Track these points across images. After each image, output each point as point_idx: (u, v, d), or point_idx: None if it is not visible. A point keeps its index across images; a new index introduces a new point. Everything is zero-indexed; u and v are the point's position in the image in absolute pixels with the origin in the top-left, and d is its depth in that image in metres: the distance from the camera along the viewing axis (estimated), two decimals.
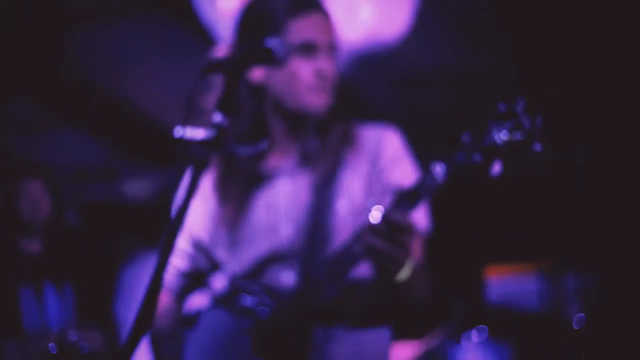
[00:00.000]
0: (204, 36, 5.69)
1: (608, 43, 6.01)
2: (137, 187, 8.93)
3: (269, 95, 2.74)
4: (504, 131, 2.12)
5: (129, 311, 5.11)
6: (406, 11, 4.09)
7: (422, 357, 4.78)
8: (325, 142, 2.77)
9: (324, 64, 2.66)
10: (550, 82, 6.75)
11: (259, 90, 2.74)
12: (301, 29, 2.65)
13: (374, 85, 7.07)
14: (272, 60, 2.24)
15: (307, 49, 2.65)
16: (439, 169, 2.24)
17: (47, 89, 7.57)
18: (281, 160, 2.78)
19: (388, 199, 2.46)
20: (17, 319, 4.28)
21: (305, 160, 2.77)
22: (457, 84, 7.43)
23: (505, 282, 5.40)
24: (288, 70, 2.63)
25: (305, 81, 2.67)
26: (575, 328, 4.60)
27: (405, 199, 2.29)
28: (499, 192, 6.82)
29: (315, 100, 2.67)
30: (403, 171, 2.72)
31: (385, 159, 2.74)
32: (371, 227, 2.28)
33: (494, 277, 5.46)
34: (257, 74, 2.71)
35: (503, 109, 2.14)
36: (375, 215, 2.28)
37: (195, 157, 2.06)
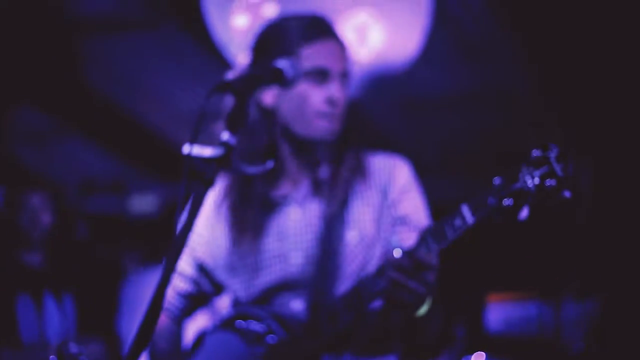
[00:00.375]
0: (217, 52, 5.72)
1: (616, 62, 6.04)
2: (143, 201, 8.95)
3: (279, 119, 2.73)
4: (537, 177, 2.13)
5: (130, 325, 5.14)
6: (416, 35, 4.11)
7: None
8: (336, 171, 2.76)
9: (335, 91, 2.66)
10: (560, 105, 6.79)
11: (270, 114, 2.74)
12: (314, 55, 2.66)
13: (382, 108, 7.10)
14: (282, 80, 2.26)
15: (319, 75, 2.65)
16: (468, 211, 2.24)
17: (58, 99, 7.62)
18: (292, 188, 2.77)
19: (415, 236, 2.44)
20: (14, 330, 4.29)
21: (316, 189, 2.76)
22: (466, 107, 7.46)
23: (505, 308, 5.41)
24: (299, 95, 2.63)
25: (315, 107, 2.67)
26: (574, 354, 4.61)
27: (432, 238, 2.30)
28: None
29: (324, 126, 2.67)
30: (413, 203, 2.73)
31: (397, 190, 2.75)
32: (397, 263, 2.28)
33: (494, 304, 5.46)
34: (268, 97, 2.71)
35: (536, 155, 2.15)
36: (400, 252, 2.28)
37: (202, 174, 2.05)
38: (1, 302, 4.31)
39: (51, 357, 3.29)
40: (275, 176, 2.75)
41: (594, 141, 6.46)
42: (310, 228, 2.70)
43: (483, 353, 4.67)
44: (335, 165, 2.74)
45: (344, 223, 2.68)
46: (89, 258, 6.43)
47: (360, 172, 2.74)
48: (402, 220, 2.69)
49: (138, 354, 1.95)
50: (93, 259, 6.94)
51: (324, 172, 2.74)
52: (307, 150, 2.74)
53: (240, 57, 4.18)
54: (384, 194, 2.72)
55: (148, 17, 6.46)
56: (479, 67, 6.75)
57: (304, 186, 2.74)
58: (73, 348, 3.28)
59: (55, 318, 4.42)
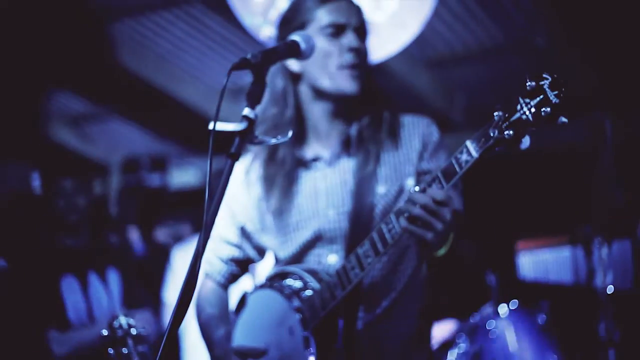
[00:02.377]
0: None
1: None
2: (184, 175, 9.12)
3: (307, 80, 2.86)
4: (533, 106, 2.21)
5: (167, 293, 5.30)
6: None
7: (461, 331, 4.88)
8: (366, 129, 2.87)
9: (353, 40, 2.79)
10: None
11: (298, 78, 2.88)
12: (329, 12, 2.81)
13: (406, 66, 7.16)
14: (297, 53, 2.39)
15: (335, 29, 2.80)
16: (473, 145, 2.33)
17: (95, 83, 7.77)
18: (324, 147, 2.89)
19: (428, 176, 2.56)
20: (62, 311, 4.38)
21: (347, 147, 2.88)
22: (485, 61, 7.50)
23: (537, 254, 5.46)
24: (320, 51, 2.73)
25: (337, 58, 2.79)
26: (605, 298, 4.66)
27: (442, 175, 2.39)
28: (526, 167, 6.88)
29: (348, 75, 2.78)
30: (445, 159, 2.77)
31: (426, 148, 2.85)
32: (413, 199, 2.37)
33: (525, 250, 5.50)
34: (293, 64, 2.85)
35: (531, 85, 2.22)
36: (417, 190, 2.40)
37: (229, 147, 2.17)
38: (46, 284, 4.41)
39: (103, 331, 3.37)
40: (306, 138, 2.89)
41: (616, 91, 6.49)
42: (343, 185, 2.83)
43: (517, 299, 4.78)
44: (364, 124, 2.86)
45: (375, 179, 2.80)
46: (127, 234, 6.52)
47: (390, 130, 2.86)
48: (429, 174, 2.76)
49: (180, 320, 2.08)
50: (140, 234, 7.09)
51: (353, 130, 2.86)
52: (336, 108, 2.86)
53: (264, 30, 4.25)
54: (415, 151, 2.84)
55: None
56: (498, 20, 6.79)
57: (335, 145, 2.86)
58: (124, 321, 3.35)
59: (100, 296, 4.54)
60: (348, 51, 2.79)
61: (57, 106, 8.56)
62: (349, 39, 2.80)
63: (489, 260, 5.03)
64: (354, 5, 2.89)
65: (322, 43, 2.76)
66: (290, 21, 2.87)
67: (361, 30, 2.87)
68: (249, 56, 2.23)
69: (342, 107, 2.87)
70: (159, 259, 5.37)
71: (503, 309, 4.85)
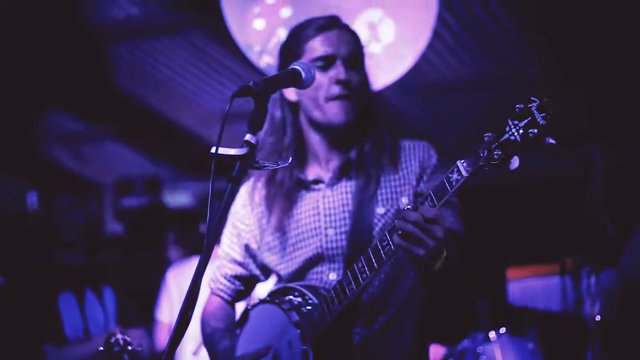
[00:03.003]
0: (242, 54, 5.89)
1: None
2: (177, 197, 9.16)
3: (303, 110, 2.95)
4: (521, 128, 2.27)
5: (160, 312, 5.34)
6: (426, 29, 4.27)
7: (450, 355, 4.93)
8: (365, 153, 2.94)
9: (341, 73, 2.85)
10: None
11: (295, 107, 2.97)
12: (320, 44, 2.89)
13: (398, 95, 7.24)
14: (298, 82, 2.42)
15: (325, 61, 2.87)
16: (463, 165, 2.38)
17: (91, 104, 7.82)
18: (324, 170, 2.98)
19: (422, 194, 2.64)
20: (58, 326, 4.43)
21: (347, 170, 2.95)
22: (477, 93, 7.59)
23: (527, 283, 5.53)
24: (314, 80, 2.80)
25: (325, 91, 2.87)
26: (593, 326, 4.73)
27: (434, 194, 2.44)
28: (517, 197, 6.94)
29: (337, 108, 2.85)
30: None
31: (425, 171, 2.93)
32: (405, 217, 2.41)
33: (516, 279, 5.57)
34: (291, 94, 2.94)
35: (520, 108, 2.29)
36: (408, 208, 2.45)
37: (230, 171, 2.22)
38: (44, 300, 4.45)
39: (100, 347, 3.43)
40: (306, 161, 2.99)
41: (605, 123, 6.58)
42: (343, 206, 2.90)
43: (508, 326, 4.83)
44: (365, 148, 2.94)
45: (375, 200, 2.88)
46: (125, 252, 6.54)
47: (390, 153, 2.94)
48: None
49: (180, 337, 2.14)
50: (131, 253, 7.12)
51: (353, 154, 2.94)
52: (332, 136, 2.94)
53: (263, 58, 4.32)
54: (413, 174, 2.92)
55: (174, 22, 6.66)
56: (490, 53, 6.89)
57: (335, 168, 2.94)
58: (120, 338, 3.42)
59: (97, 312, 4.60)
60: (336, 83, 2.86)
61: (52, 125, 8.60)
62: (337, 70, 2.87)
63: (480, 287, 5.09)
64: (347, 34, 2.95)
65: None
66: (288, 51, 2.95)
67: (353, 60, 2.92)
68: (251, 84, 2.28)
69: (338, 135, 2.94)
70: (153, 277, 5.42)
71: (492, 334, 4.91)
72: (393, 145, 2.96)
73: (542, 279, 5.63)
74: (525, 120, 2.29)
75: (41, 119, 8.12)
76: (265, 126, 2.76)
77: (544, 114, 2.27)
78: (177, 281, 5.41)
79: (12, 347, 4.33)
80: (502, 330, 4.96)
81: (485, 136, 2.36)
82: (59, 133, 8.81)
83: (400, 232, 2.45)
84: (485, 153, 2.34)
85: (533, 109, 2.28)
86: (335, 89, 2.86)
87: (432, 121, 8.07)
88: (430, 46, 5.66)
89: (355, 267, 2.64)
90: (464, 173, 2.39)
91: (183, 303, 2.13)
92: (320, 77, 2.84)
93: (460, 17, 6.28)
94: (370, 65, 3.02)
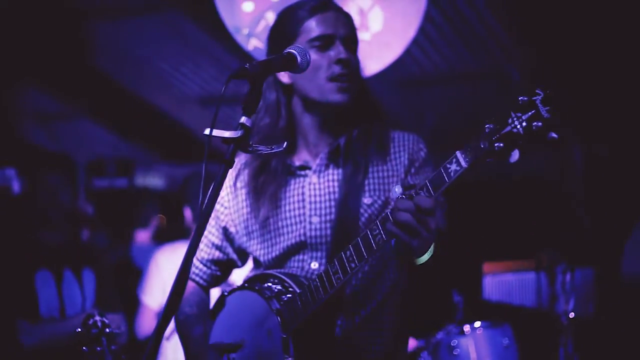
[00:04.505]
0: (220, 36, 5.85)
1: (611, 42, 6.17)
2: (150, 180, 9.12)
3: (297, 92, 2.88)
4: (524, 120, 2.22)
5: (149, 296, 5.27)
6: (414, 20, 4.26)
7: (425, 347, 4.94)
8: (354, 140, 2.89)
9: (341, 52, 2.79)
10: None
11: (289, 89, 2.90)
12: (317, 24, 2.82)
13: (378, 85, 7.25)
14: (293, 65, 2.41)
15: (324, 41, 2.80)
16: (462, 156, 2.32)
17: (67, 82, 7.76)
18: (311, 156, 2.92)
19: (417, 184, 2.56)
20: (34, 304, 4.34)
21: (335, 157, 2.90)
22: (457, 85, 7.63)
23: (502, 277, 5.55)
24: (310, 64, 2.68)
25: (326, 70, 2.81)
26: (567, 323, 4.77)
27: (431, 184, 2.39)
28: (494, 192, 6.98)
29: (337, 87, 2.79)
30: (428, 175, 2.75)
31: (414, 163, 2.88)
32: (400, 206, 2.36)
33: (491, 273, 5.58)
34: (284, 76, 2.87)
35: (523, 99, 2.23)
36: (403, 196, 2.40)
37: (223, 154, 2.19)
38: (21, 277, 4.37)
39: (78, 329, 3.38)
40: (295, 146, 2.93)
41: (585, 117, 6.63)
42: (330, 194, 2.86)
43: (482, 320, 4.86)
44: (354, 135, 2.88)
45: (362, 189, 2.83)
46: (104, 233, 6.47)
47: (379, 143, 2.88)
48: (414, 189, 2.84)
49: (169, 319, 2.09)
50: (108, 234, 7.05)
51: (342, 141, 2.88)
52: (326, 118, 2.89)
53: (251, 41, 4.29)
54: (402, 165, 2.86)
55: (152, 1, 6.61)
56: (472, 47, 6.92)
57: (323, 155, 2.89)
58: (99, 320, 3.38)
59: (74, 293, 4.51)
60: (336, 63, 2.80)
61: (26, 103, 8.52)
62: (337, 50, 2.81)
63: (455, 281, 5.10)
64: (342, 15, 2.90)
65: (312, 55, 2.74)
66: (281, 33, 2.89)
67: (350, 40, 2.87)
68: (247, 65, 2.25)
69: (331, 118, 2.89)
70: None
71: (467, 328, 4.94)
72: (382, 134, 2.90)
73: (518, 274, 5.66)
74: (529, 113, 2.23)
75: (14, 95, 8.03)
76: (259, 109, 2.72)
77: (548, 107, 2.22)
78: (169, 264, 5.33)
79: None
80: (477, 324, 4.98)
81: (487, 127, 2.30)
82: (32, 111, 8.74)
83: (394, 221, 2.40)
84: (486, 144, 2.29)
85: (537, 101, 2.22)
86: (337, 68, 2.79)
87: (409, 112, 8.10)
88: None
89: (343, 256, 2.58)
90: (463, 164, 2.33)
91: (173, 285, 2.10)
92: (319, 58, 2.79)
93: (443, 10, 6.30)
94: (361, 52, 2.96)
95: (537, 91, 2.24)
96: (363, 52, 2.93)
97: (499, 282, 5.75)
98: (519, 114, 2.25)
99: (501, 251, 6.26)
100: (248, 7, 4.07)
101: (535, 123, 2.22)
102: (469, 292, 5.18)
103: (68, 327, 4.26)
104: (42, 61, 7.13)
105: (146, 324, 5.23)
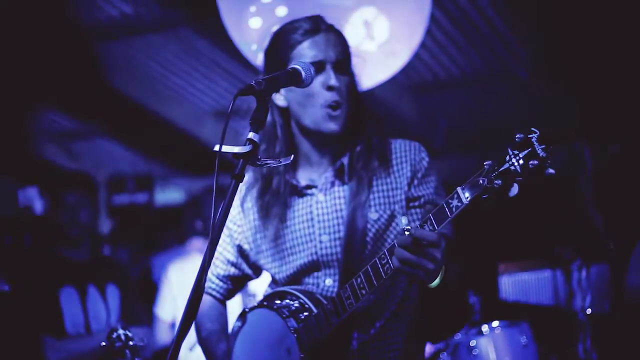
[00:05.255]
0: (233, 52, 5.90)
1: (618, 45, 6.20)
2: (168, 194, 9.19)
3: (292, 116, 2.92)
4: (521, 158, 2.28)
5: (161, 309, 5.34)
6: (419, 27, 4.30)
7: (444, 349, 4.98)
8: (357, 158, 2.90)
9: (331, 78, 2.82)
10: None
11: (286, 113, 2.94)
12: (308, 49, 2.85)
13: (390, 92, 7.30)
14: (298, 81, 2.45)
15: (315, 67, 2.71)
16: (463, 192, 2.40)
17: (84, 101, 7.84)
18: (317, 176, 2.94)
19: (419, 218, 2.72)
20: (59, 320, 4.45)
21: (340, 175, 2.91)
22: (467, 89, 7.66)
23: (518, 276, 5.57)
24: (301, 89, 2.71)
25: (316, 96, 2.82)
26: (584, 319, 4.79)
27: (434, 219, 2.45)
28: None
29: (328, 116, 2.83)
30: (431, 185, 2.92)
31: (417, 173, 2.90)
32: (404, 242, 2.43)
33: (507, 272, 5.60)
34: (279, 99, 2.92)
35: (520, 138, 2.30)
36: (407, 232, 2.43)
37: (233, 169, 2.23)
38: (45, 293, 4.48)
39: (103, 342, 3.42)
40: (299, 166, 2.98)
41: (592, 119, 6.65)
42: (337, 212, 2.90)
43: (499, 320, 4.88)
44: (356, 152, 2.92)
45: (368, 205, 2.87)
46: (123, 250, 6.51)
47: (381, 157, 2.92)
48: (419, 201, 2.90)
49: (185, 332, 2.16)
50: (128, 251, 7.13)
51: (345, 159, 2.92)
52: (323, 142, 2.93)
53: (260, 56, 4.35)
54: (405, 178, 2.91)
55: (165, 19, 6.69)
56: (480, 51, 6.96)
57: (328, 174, 2.93)
58: (122, 334, 3.42)
59: (99, 309, 4.63)
60: (327, 90, 2.83)
61: (44, 123, 8.63)
62: (327, 76, 2.84)
63: (472, 281, 5.13)
64: (334, 36, 2.92)
65: None
66: (274, 57, 2.91)
67: (342, 63, 2.90)
68: (252, 83, 2.30)
69: (329, 141, 2.93)
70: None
71: (485, 328, 4.96)
72: (383, 146, 2.95)
73: (534, 273, 5.68)
74: (526, 151, 2.30)
75: (33, 116, 8.13)
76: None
77: (544, 146, 2.29)
78: (179, 277, 5.42)
79: (11, 337, 4.35)
80: (495, 323, 5.01)
81: (485, 164, 2.38)
82: (50, 131, 8.84)
83: (396, 257, 2.47)
84: (485, 181, 2.36)
85: (533, 139, 2.30)
86: (327, 95, 2.84)
87: (423, 118, 8.13)
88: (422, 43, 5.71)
89: (354, 283, 2.66)
90: (463, 200, 2.41)
91: (189, 298, 2.15)
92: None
93: (450, 14, 6.34)
94: (361, 63, 3.00)
95: (532, 129, 2.32)
96: (369, 62, 2.94)
97: (515, 282, 5.78)
98: (516, 152, 2.32)
99: (516, 250, 6.27)
100: (255, 23, 4.14)
101: (532, 161, 2.29)
102: (485, 292, 5.20)
103: (93, 343, 4.39)
104: (58, 81, 7.21)
105: (160, 336, 5.34)
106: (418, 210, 2.90)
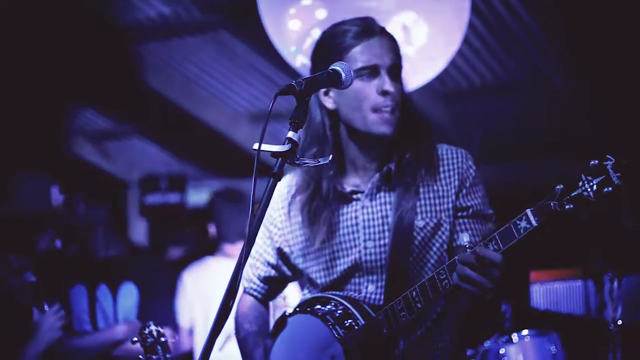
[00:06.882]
0: (270, 54, 5.93)
1: None
2: (201, 195, 9.24)
3: (342, 119, 2.91)
4: (595, 185, 2.30)
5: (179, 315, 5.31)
6: (458, 32, 4.31)
7: (473, 357, 4.97)
8: (404, 163, 2.88)
9: (386, 83, 2.81)
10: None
11: (334, 115, 2.92)
12: (363, 53, 2.82)
13: (424, 98, 7.29)
14: (338, 82, 2.42)
15: (370, 71, 2.81)
16: (532, 215, 2.40)
17: (120, 102, 7.92)
18: (363, 181, 2.92)
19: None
20: (67, 317, 4.39)
21: (386, 181, 2.89)
22: (502, 96, 7.63)
23: (550, 286, 5.54)
24: (354, 93, 2.77)
25: (370, 101, 2.80)
26: (615, 330, 4.77)
27: (500, 238, 2.46)
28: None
29: (381, 119, 2.82)
30: (479, 195, 2.91)
31: (464, 182, 2.89)
32: (467, 260, 2.45)
33: (538, 282, 5.58)
34: (329, 102, 2.91)
35: (594, 164, 2.31)
36: (471, 250, 2.45)
37: (272, 168, 2.23)
38: (56, 291, 4.52)
39: (134, 337, 3.43)
40: (345, 171, 2.97)
41: (626, 127, 6.61)
42: (382, 218, 2.89)
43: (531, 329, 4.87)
44: (404, 158, 2.90)
45: (414, 212, 2.86)
46: (144, 250, 6.49)
47: (429, 163, 2.90)
48: (467, 211, 2.89)
49: (218, 330, 2.16)
50: (152, 251, 7.14)
51: (393, 165, 2.91)
52: (372, 146, 2.92)
53: (299, 58, 4.37)
54: (452, 187, 2.89)
55: (203, 21, 6.75)
56: (515, 57, 6.94)
57: (374, 179, 2.92)
58: (155, 330, 3.43)
59: (107, 307, 4.67)
60: (381, 94, 2.82)
61: (80, 122, 8.72)
62: (383, 81, 2.82)
63: (504, 290, 5.11)
64: (387, 40, 2.90)
65: (357, 84, 2.77)
66: (325, 58, 2.84)
67: (396, 69, 2.89)
68: (293, 83, 2.31)
69: (378, 144, 2.92)
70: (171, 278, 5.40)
71: (515, 336, 4.95)
72: (431, 153, 2.93)
73: (565, 282, 5.65)
74: (600, 178, 2.32)
75: (69, 116, 8.21)
76: (304, 130, 2.70)
77: (619, 174, 2.30)
78: (195, 282, 5.44)
79: (18, 334, 4.39)
80: (525, 332, 4.99)
81: (557, 188, 2.38)
82: (86, 130, 8.94)
83: (458, 274, 2.49)
84: (557, 205, 2.38)
85: (608, 167, 2.31)
86: (380, 100, 2.82)
87: (457, 125, 8.12)
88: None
89: (409, 296, 2.67)
90: (533, 222, 2.42)
91: (223, 297, 2.15)
92: (364, 87, 2.82)
93: (487, 20, 6.33)
94: (409, 68, 3.00)
95: (608, 156, 2.33)
96: (406, 68, 2.95)
97: (546, 291, 5.74)
98: (590, 177, 2.34)
99: (548, 259, 6.24)
100: (295, 25, 4.17)
101: (606, 189, 2.31)
102: (516, 300, 5.18)
103: (98, 339, 4.51)
104: (94, 81, 7.28)
105: (180, 342, 5.33)
106: (466, 220, 2.89)
